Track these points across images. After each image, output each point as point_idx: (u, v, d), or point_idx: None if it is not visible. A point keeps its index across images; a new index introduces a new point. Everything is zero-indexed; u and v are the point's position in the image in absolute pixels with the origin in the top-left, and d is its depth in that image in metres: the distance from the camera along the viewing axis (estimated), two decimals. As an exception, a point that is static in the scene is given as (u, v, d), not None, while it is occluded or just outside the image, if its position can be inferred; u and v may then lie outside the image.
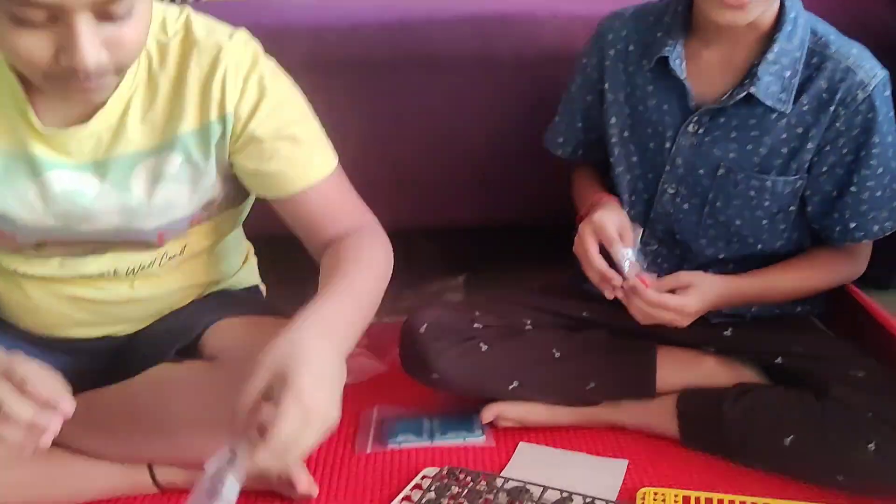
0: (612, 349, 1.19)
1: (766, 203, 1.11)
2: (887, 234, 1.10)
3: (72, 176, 0.93)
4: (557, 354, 1.18)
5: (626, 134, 1.17)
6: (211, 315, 1.03)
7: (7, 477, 0.98)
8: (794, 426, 1.06)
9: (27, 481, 1.00)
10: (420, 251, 1.66)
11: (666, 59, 1.09)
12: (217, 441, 0.82)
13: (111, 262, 1.01)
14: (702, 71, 1.10)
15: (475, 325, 1.20)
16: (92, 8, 0.75)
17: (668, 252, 1.18)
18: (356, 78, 1.42)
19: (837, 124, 1.06)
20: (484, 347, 1.18)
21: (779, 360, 1.15)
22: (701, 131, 1.10)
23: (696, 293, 1.07)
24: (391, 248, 1.03)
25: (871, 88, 1.04)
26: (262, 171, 0.98)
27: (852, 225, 1.09)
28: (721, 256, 1.15)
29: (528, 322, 1.23)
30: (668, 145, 1.13)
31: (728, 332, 1.18)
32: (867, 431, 1.02)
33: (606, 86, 1.17)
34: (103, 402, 1.00)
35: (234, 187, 1.03)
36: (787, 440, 1.05)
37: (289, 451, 0.73)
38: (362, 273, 0.94)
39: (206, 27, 0.95)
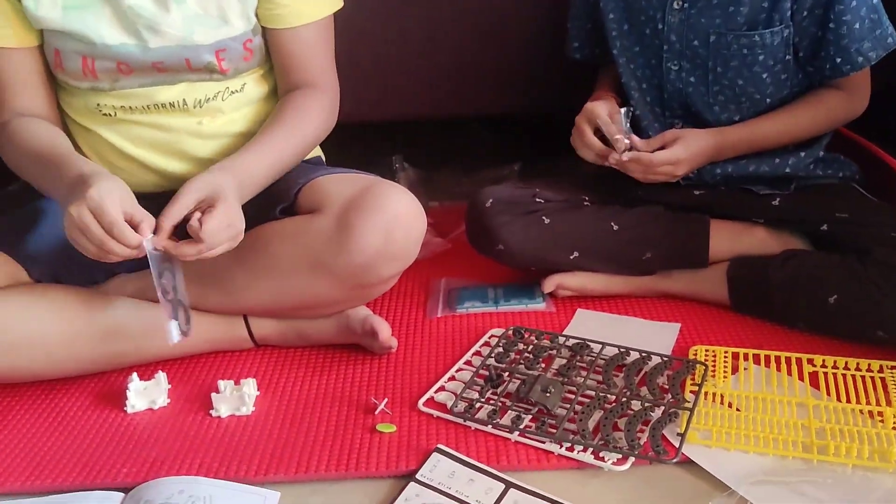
0: (667, 221, 1.26)
1: (761, 57, 1.19)
2: (872, 62, 1.18)
3: None
4: (615, 226, 1.26)
5: (625, 27, 1.26)
6: (301, 178, 1.13)
7: (122, 324, 1.10)
8: (838, 286, 1.12)
9: (138, 331, 1.11)
10: (476, 139, 1.73)
11: None
12: (320, 280, 1.06)
13: (181, 91, 1.12)
14: None
15: (537, 199, 1.28)
16: None
17: (690, 125, 1.25)
18: None
19: None
20: (546, 220, 1.25)
21: (824, 227, 1.21)
22: (686, 5, 1.19)
23: (682, 144, 1.18)
24: (333, 115, 1.21)
25: None
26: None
27: (838, 59, 1.17)
28: (736, 118, 1.23)
29: (587, 198, 1.30)
30: (660, 26, 1.21)
31: (776, 202, 1.25)
32: (906, 288, 1.09)
33: None
34: (210, 259, 1.09)
35: None
36: (831, 299, 1.12)
37: (210, 243, 0.96)
38: (289, 133, 1.14)
39: None
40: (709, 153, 1.21)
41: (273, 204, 1.12)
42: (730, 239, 1.25)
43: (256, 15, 1.14)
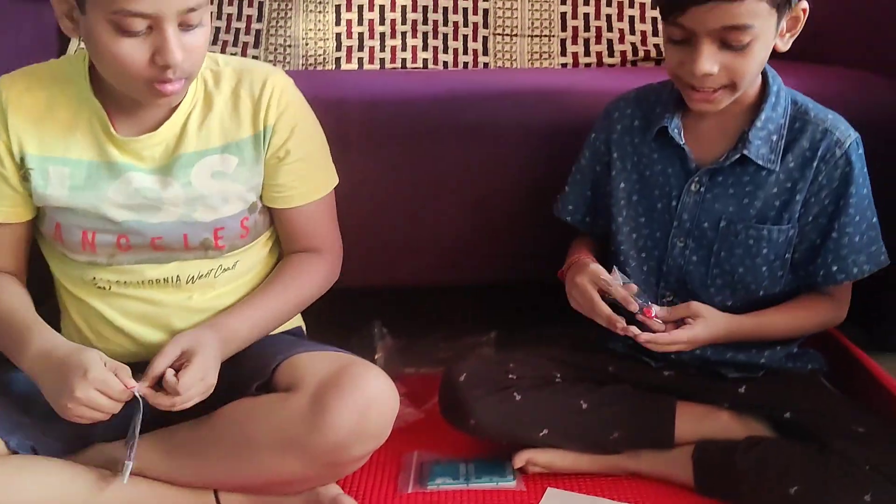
0: (634, 402, 1.29)
1: (765, 251, 1.23)
2: (866, 275, 1.23)
3: (145, 177, 1.13)
4: (584, 405, 1.28)
5: (634, 198, 1.30)
6: (279, 355, 1.16)
7: (92, 500, 1.10)
8: (799, 477, 1.15)
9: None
10: (455, 307, 1.77)
11: (665, 128, 1.24)
12: (293, 459, 1.08)
13: (175, 268, 1.17)
14: (699, 137, 1.25)
15: (510, 375, 1.31)
16: (177, 17, 1.00)
17: (681, 300, 1.28)
18: (405, 145, 1.53)
19: (820, 178, 1.20)
20: (518, 396, 1.28)
21: (787, 415, 1.25)
22: (703, 189, 1.24)
23: (704, 324, 1.20)
24: (333, 278, 1.29)
25: (846, 146, 1.19)
26: (280, 182, 1.20)
27: (834, 268, 1.22)
28: (728, 304, 1.26)
29: (558, 375, 1.34)
30: (674, 203, 1.26)
31: (742, 390, 1.28)
32: (865, 483, 1.11)
33: (615, 156, 1.31)
34: (184, 433, 1.12)
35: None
36: (793, 490, 1.14)
37: (184, 396, 1.03)
38: (284, 294, 1.22)
39: (252, 61, 1.22)
40: (721, 337, 1.23)
41: (249, 380, 1.15)
42: (695, 422, 1.28)
43: (261, 197, 1.21)
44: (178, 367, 1.06)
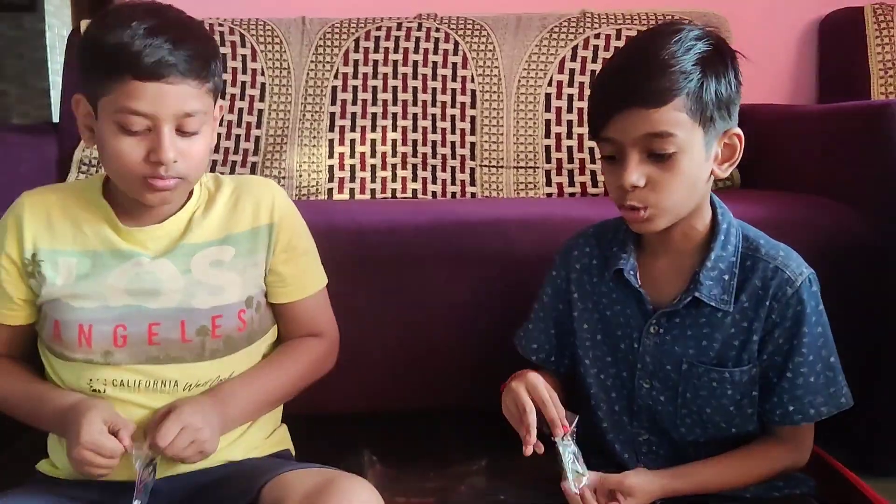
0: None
1: (729, 391, 1.20)
2: (823, 417, 1.19)
3: (147, 262, 1.19)
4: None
5: (598, 337, 1.29)
6: (266, 474, 1.15)
7: None
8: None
9: None
10: (444, 434, 1.75)
11: (621, 270, 1.23)
12: None
13: (173, 372, 1.19)
14: (654, 278, 1.23)
15: (501, 509, 1.27)
16: (173, 121, 1.10)
17: (659, 439, 1.26)
18: (392, 272, 1.57)
19: (773, 316, 1.18)
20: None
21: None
22: (661, 331, 1.22)
23: (633, 501, 1.14)
24: (332, 358, 1.35)
25: (797, 284, 1.17)
26: (288, 274, 1.27)
27: (791, 408, 1.18)
28: (701, 440, 1.24)
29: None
30: (635, 345, 1.24)
31: (733, 518, 1.24)
32: None
33: (575, 296, 1.30)
34: None
35: (265, 296, 1.28)
36: None
37: (172, 447, 1.08)
38: (284, 367, 1.28)
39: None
40: (655, 499, 1.18)
41: (236, 499, 1.13)
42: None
43: (266, 295, 1.27)
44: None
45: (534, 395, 1.18)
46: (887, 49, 2.27)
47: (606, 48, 2.14)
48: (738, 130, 1.17)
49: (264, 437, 1.30)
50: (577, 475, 1.15)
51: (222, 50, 2.13)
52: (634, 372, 1.25)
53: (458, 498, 1.31)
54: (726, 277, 1.19)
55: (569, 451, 1.16)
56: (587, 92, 2.09)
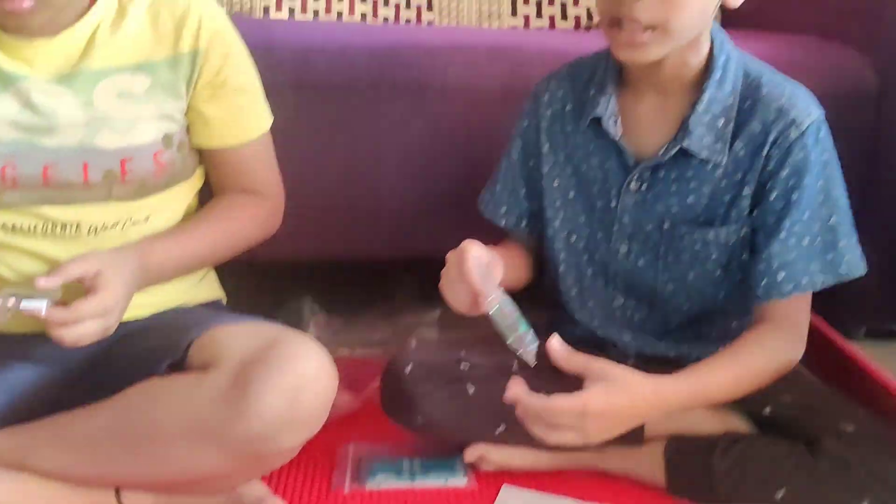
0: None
1: (714, 255, 1.10)
2: (817, 288, 1.06)
3: (39, 89, 0.98)
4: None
5: (571, 195, 1.16)
6: (193, 328, 1.01)
7: None
8: (786, 479, 1.04)
9: None
10: (396, 283, 1.63)
11: (599, 118, 1.08)
12: (209, 451, 0.92)
13: (73, 213, 1.00)
14: (637, 126, 1.10)
15: (461, 365, 1.17)
16: None
17: (637, 303, 1.16)
18: (341, 102, 1.41)
19: (770, 166, 1.05)
20: (471, 389, 1.14)
21: (767, 410, 1.13)
22: (643, 188, 1.10)
23: (602, 389, 0.96)
24: (274, 221, 1.17)
25: (803, 128, 1.03)
26: (213, 116, 1.07)
27: (780, 276, 1.04)
28: (685, 308, 1.14)
29: (515, 363, 1.20)
30: (613, 203, 1.12)
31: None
32: (861, 488, 1.01)
33: (546, 147, 1.17)
34: (82, 420, 0.96)
35: (188, 134, 1.09)
36: (779, 493, 1.03)
37: (74, 330, 0.90)
38: (220, 226, 1.10)
39: None
40: (641, 414, 1.01)
41: (159, 357, 0.99)
42: (666, 416, 1.15)
43: (188, 133, 1.07)
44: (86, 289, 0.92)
45: (466, 266, 0.99)
46: None
47: None
48: None
49: (196, 280, 1.15)
50: (516, 336, 0.99)
51: None
52: (611, 234, 1.13)
53: (412, 355, 1.17)
54: (721, 123, 1.05)
55: (497, 311, 0.98)
56: None
